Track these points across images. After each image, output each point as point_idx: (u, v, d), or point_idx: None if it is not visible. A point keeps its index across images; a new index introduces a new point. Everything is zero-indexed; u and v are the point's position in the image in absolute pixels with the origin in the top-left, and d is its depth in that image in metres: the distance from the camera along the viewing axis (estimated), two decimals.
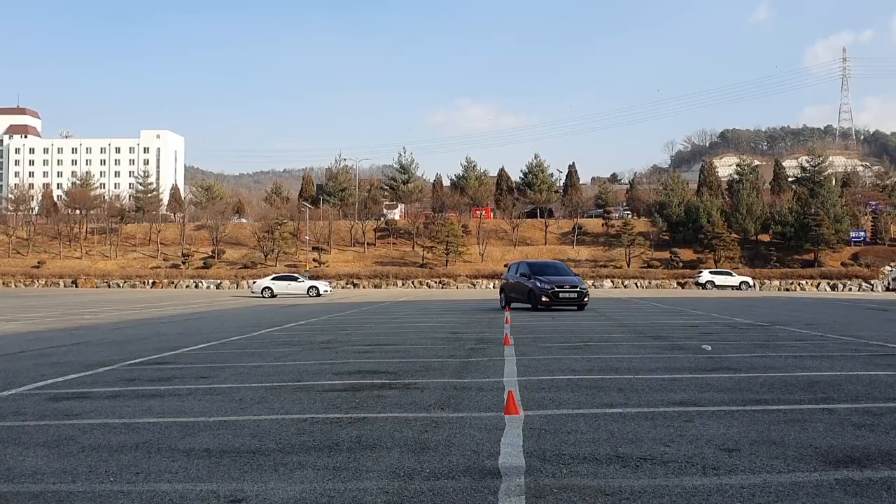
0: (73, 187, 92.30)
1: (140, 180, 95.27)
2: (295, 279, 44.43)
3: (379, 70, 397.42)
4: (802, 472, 4.25)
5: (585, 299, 22.47)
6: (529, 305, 22.73)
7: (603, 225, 77.85)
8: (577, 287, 22.39)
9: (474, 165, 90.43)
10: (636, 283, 63.34)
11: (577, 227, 76.99)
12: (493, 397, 6.83)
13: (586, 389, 7.23)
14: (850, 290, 60.10)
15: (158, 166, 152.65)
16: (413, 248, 75.65)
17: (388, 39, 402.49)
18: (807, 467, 4.34)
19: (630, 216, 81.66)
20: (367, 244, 77.78)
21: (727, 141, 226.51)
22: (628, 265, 69.34)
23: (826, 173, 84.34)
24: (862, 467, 4.33)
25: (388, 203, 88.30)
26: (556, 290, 21.94)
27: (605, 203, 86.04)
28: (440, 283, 65.56)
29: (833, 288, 60.85)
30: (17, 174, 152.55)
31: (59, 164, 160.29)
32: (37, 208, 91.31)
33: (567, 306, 22.36)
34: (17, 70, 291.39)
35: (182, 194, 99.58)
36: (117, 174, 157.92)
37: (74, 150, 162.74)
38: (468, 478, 4.19)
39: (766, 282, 62.56)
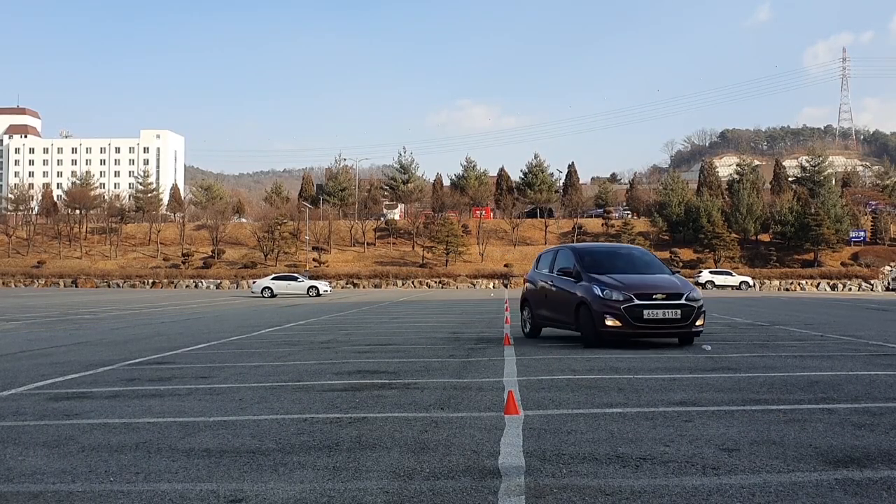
0: (73, 187, 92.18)
1: (140, 180, 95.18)
2: (295, 279, 44.45)
3: (379, 70, 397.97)
4: (802, 472, 4.25)
5: (699, 322, 11.27)
6: (579, 334, 11.77)
7: (603, 225, 77.84)
8: (682, 296, 11.13)
9: (474, 165, 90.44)
10: None
11: (577, 226, 76.98)
12: (493, 397, 6.83)
13: (586, 389, 7.23)
14: (850, 290, 60.10)
15: (158, 166, 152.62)
16: (413, 248, 75.63)
17: (390, 40, 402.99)
18: (807, 467, 4.34)
19: (630, 216, 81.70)
20: (367, 244, 77.76)
21: (727, 141, 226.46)
22: None
23: (826, 173, 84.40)
24: (862, 467, 4.33)
25: (388, 203, 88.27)
26: (639, 304, 10.86)
27: (605, 203, 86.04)
28: (440, 283, 65.56)
29: (833, 288, 60.84)
30: (17, 174, 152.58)
31: (59, 164, 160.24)
32: (37, 208, 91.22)
33: (660, 335, 11.62)
34: (17, 70, 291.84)
35: (182, 194, 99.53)
36: (117, 174, 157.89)
37: (74, 150, 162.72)
38: (468, 478, 4.19)
39: (766, 282, 62.57)
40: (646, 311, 10.85)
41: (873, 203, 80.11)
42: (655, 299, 10.99)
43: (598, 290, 11.15)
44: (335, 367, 9.23)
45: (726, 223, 71.53)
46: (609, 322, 10.94)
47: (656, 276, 11.99)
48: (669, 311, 10.96)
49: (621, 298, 10.92)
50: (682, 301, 11.06)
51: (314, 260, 70.80)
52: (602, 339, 11.26)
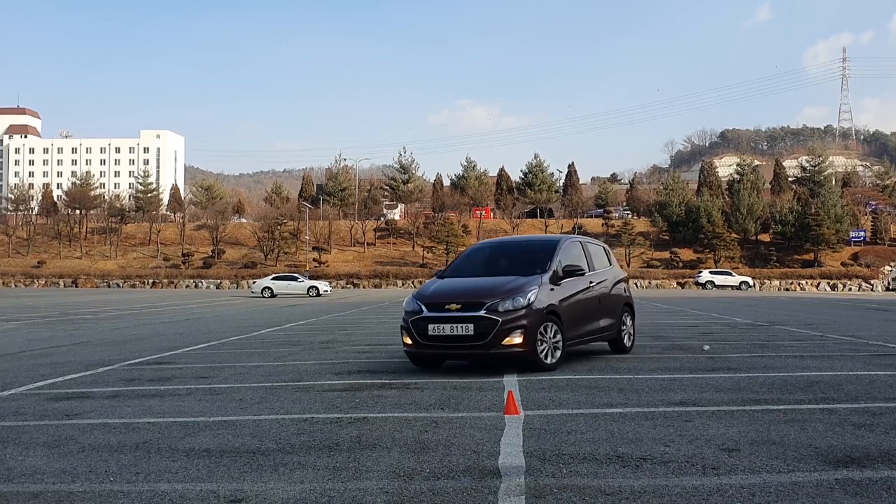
0: (73, 187, 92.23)
1: (140, 180, 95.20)
2: (295, 279, 44.48)
3: (380, 70, 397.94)
4: (802, 472, 4.24)
5: (508, 341, 8.10)
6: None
7: (603, 225, 77.88)
8: (481, 307, 8.22)
9: (474, 165, 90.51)
10: (636, 283, 63.30)
11: (577, 226, 76.96)
12: (493, 397, 6.82)
13: (586, 389, 7.23)
14: (850, 290, 60.11)
15: (158, 166, 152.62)
16: (413, 248, 75.63)
17: (390, 40, 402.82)
18: (807, 467, 4.34)
19: (630, 216, 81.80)
20: (367, 244, 77.78)
21: (727, 141, 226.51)
22: (628, 265, 69.28)
23: (826, 173, 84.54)
24: (862, 467, 4.32)
25: (388, 203, 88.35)
26: (426, 316, 8.45)
27: (605, 203, 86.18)
28: None
29: (833, 288, 60.86)
30: (17, 174, 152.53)
31: (59, 164, 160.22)
32: (37, 208, 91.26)
33: (451, 356, 8.87)
34: (17, 70, 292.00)
35: (182, 194, 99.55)
36: (117, 174, 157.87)
37: (74, 150, 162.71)
38: (468, 478, 4.18)
39: (766, 282, 62.60)
40: (431, 326, 8.38)
41: (873, 203, 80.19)
42: (448, 310, 8.40)
43: (415, 302, 8.85)
44: (335, 367, 9.23)
45: (726, 223, 71.60)
46: (404, 339, 8.87)
47: (489, 278, 9.07)
48: (459, 325, 8.26)
49: (413, 309, 8.69)
50: (480, 313, 8.18)
51: (314, 260, 70.81)
52: (410, 359, 9.10)
